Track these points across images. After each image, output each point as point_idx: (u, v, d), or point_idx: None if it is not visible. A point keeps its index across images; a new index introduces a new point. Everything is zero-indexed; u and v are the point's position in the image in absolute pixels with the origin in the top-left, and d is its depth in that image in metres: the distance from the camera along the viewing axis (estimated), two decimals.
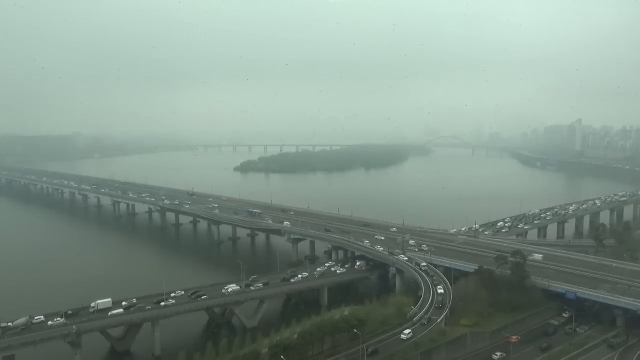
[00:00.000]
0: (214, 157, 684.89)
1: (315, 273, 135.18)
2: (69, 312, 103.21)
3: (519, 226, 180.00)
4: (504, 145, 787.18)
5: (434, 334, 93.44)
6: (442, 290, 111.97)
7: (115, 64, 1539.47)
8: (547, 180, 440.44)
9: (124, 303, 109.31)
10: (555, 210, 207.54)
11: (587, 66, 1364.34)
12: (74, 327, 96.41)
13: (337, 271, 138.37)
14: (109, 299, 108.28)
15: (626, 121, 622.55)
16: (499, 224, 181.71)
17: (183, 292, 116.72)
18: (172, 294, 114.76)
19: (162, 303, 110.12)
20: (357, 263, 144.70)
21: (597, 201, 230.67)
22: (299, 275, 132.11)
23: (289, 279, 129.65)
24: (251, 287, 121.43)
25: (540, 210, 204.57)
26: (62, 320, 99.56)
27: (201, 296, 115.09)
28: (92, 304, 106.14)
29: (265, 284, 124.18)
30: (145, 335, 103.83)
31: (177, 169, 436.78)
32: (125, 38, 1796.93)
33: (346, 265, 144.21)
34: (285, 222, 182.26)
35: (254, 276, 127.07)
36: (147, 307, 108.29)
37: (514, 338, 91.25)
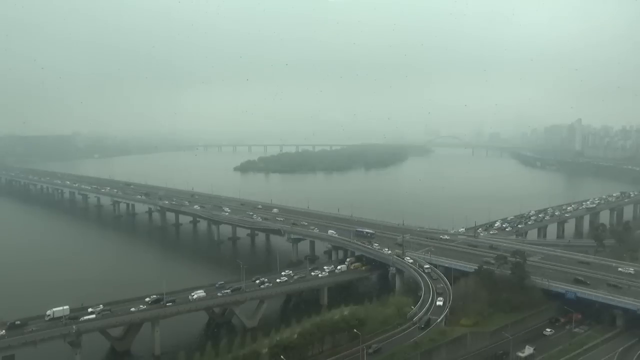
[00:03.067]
0: (214, 157, 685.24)
1: (292, 278, 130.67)
2: (17, 322, 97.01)
3: (507, 229, 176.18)
4: (504, 145, 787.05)
5: (434, 334, 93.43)
6: (440, 303, 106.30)
7: (116, 64, 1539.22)
8: (547, 180, 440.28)
9: (90, 309, 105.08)
10: (548, 211, 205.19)
11: (587, 66, 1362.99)
12: (74, 327, 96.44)
13: (319, 275, 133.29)
14: (67, 307, 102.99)
15: (626, 121, 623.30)
16: (496, 224, 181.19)
17: (158, 297, 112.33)
18: (147, 299, 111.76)
19: (133, 309, 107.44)
20: (339, 267, 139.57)
21: (583, 204, 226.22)
22: (266, 282, 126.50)
23: (259, 285, 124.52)
24: (218, 294, 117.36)
25: (536, 211, 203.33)
26: (2, 332, 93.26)
27: (167, 303, 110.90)
28: (48, 312, 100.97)
29: (236, 289, 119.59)
30: (145, 335, 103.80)
31: (178, 169, 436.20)
32: (125, 38, 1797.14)
33: (326, 269, 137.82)
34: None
35: (221, 282, 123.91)
36: (104, 314, 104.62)
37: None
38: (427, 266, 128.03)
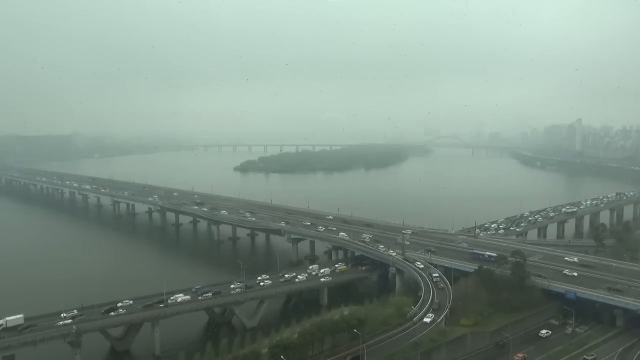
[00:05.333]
0: (214, 157, 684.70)
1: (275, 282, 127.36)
2: None
3: (500, 231, 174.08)
4: (504, 145, 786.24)
5: (434, 334, 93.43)
6: (428, 320, 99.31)
7: (116, 63, 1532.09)
8: (547, 180, 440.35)
9: (63, 314, 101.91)
10: (541, 213, 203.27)
11: (587, 66, 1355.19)
12: (74, 327, 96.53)
13: (297, 280, 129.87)
14: (21, 315, 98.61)
15: (626, 121, 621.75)
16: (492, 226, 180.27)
17: (132, 302, 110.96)
18: (119, 304, 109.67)
19: (112, 313, 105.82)
20: (322, 270, 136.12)
21: (582, 204, 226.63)
22: (237, 287, 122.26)
23: (234, 289, 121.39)
24: (199, 297, 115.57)
25: (530, 212, 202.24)
26: None
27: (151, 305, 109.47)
28: (0, 322, 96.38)
29: (216, 293, 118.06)
30: (145, 335, 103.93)
31: (178, 169, 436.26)
32: (125, 37, 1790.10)
33: (312, 273, 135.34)
34: None
35: (198, 286, 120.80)
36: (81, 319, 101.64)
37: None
38: (435, 274, 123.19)
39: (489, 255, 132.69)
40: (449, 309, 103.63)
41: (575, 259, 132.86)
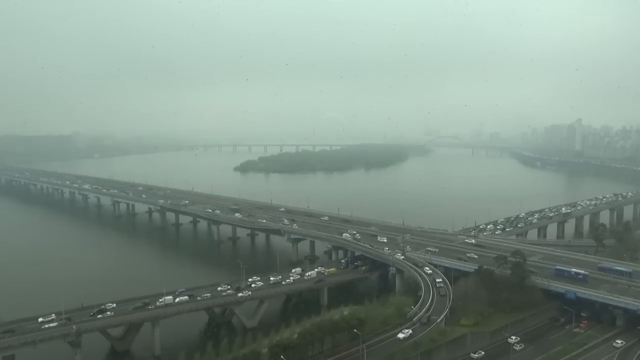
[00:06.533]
0: (214, 157, 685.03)
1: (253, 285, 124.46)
2: None
3: (497, 232, 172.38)
4: (504, 145, 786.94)
5: (434, 334, 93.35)
6: (402, 336, 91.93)
7: (116, 64, 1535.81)
8: (547, 180, 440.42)
9: (40, 319, 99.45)
10: (536, 214, 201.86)
11: (587, 66, 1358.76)
12: (74, 327, 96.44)
13: (283, 282, 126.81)
14: None
15: (626, 121, 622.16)
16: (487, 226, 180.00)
17: (115, 305, 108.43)
18: (102, 306, 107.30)
19: (100, 316, 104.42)
20: (308, 273, 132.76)
21: (579, 204, 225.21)
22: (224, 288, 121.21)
23: (221, 292, 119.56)
24: (175, 300, 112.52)
25: (526, 213, 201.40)
26: None
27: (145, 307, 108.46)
28: None
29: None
30: (145, 335, 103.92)
31: (178, 169, 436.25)
32: (125, 37, 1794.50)
33: (296, 274, 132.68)
34: None
35: (182, 289, 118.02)
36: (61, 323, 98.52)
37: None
38: (439, 280, 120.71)
39: (575, 273, 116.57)
40: (448, 309, 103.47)
41: (473, 241, 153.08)
